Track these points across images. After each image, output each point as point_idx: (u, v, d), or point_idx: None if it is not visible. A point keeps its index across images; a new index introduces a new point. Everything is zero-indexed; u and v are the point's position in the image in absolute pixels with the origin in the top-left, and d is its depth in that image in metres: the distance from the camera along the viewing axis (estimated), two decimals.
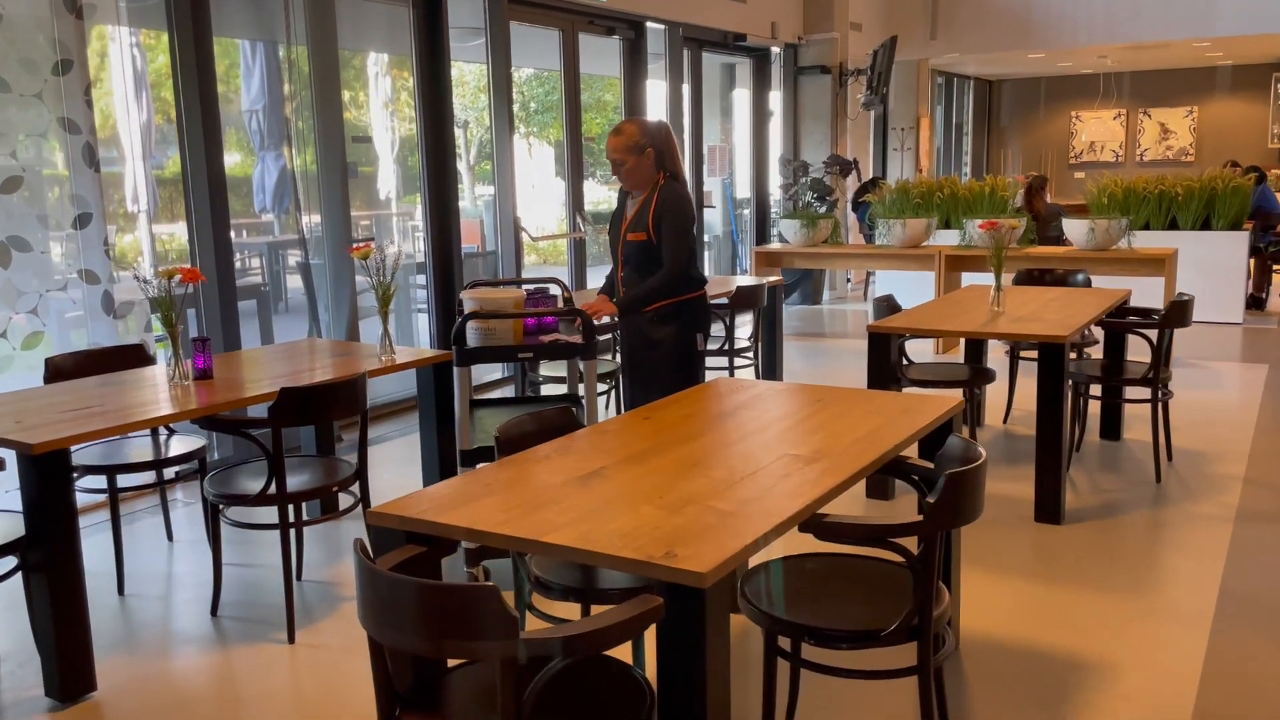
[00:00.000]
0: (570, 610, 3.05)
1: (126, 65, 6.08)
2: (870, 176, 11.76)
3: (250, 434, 3.20)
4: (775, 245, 8.72)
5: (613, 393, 5.42)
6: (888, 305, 4.75)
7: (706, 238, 11.16)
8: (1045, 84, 16.85)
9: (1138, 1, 11.30)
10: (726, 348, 5.57)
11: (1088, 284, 5.72)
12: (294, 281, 7.01)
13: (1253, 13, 10.88)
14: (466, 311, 3.48)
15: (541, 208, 13.01)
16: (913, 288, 9.88)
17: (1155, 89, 15.99)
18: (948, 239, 8.25)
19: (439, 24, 6.30)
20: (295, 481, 3.37)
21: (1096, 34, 11.67)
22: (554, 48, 7.96)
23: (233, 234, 6.64)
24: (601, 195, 12.44)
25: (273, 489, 3.21)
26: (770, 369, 6.18)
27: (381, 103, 7.16)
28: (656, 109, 8.84)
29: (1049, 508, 4.12)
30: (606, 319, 3.94)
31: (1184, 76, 15.75)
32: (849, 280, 11.56)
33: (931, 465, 2.58)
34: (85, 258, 4.63)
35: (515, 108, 7.14)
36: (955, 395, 3.05)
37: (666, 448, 2.57)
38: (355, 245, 3.79)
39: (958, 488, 2.17)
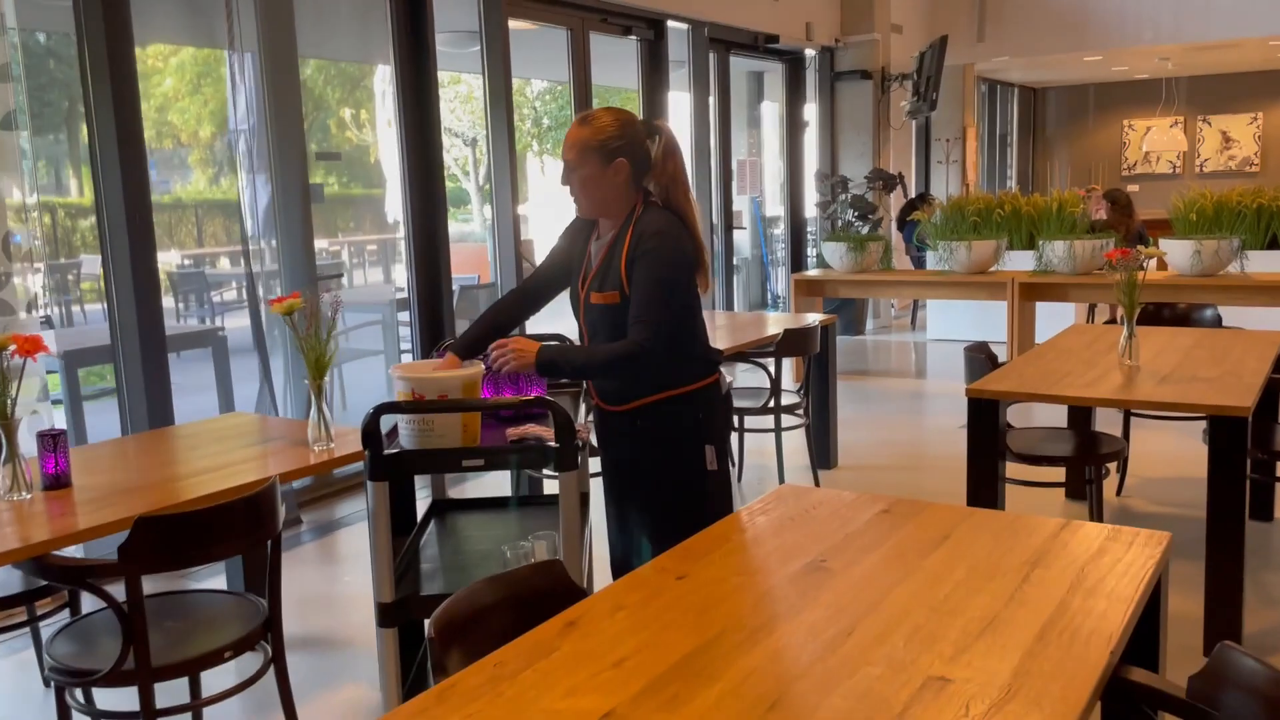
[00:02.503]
0: None
1: None
2: (916, 192, 10.72)
3: (95, 586, 2.17)
4: (816, 272, 7.67)
5: None
6: (986, 358, 3.68)
7: (735, 260, 10.12)
8: (1095, 91, 15.73)
9: None
10: (773, 405, 4.52)
11: (1218, 322, 4.64)
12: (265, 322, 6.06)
13: None
14: (398, 395, 2.43)
15: (555, 233, 11.97)
16: (974, 319, 8.79)
17: (1215, 94, 14.85)
18: (1018, 262, 7.16)
19: (423, 23, 5.31)
20: (168, 642, 2.33)
21: (1162, 33, 10.58)
22: (566, 56, 7.00)
23: (232, 262, 5.64)
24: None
25: (130, 663, 2.18)
26: (823, 427, 5.12)
27: (386, 119, 6.24)
28: (680, 122, 7.83)
29: (1231, 636, 3.03)
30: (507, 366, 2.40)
31: (1247, 80, 14.59)
32: (893, 308, 10.48)
33: (1180, 694, 1.51)
34: None
35: (527, 124, 6.16)
36: (1162, 535, 1.98)
37: (720, 655, 1.52)
38: (278, 296, 2.76)
39: None
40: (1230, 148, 15.02)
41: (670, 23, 7.23)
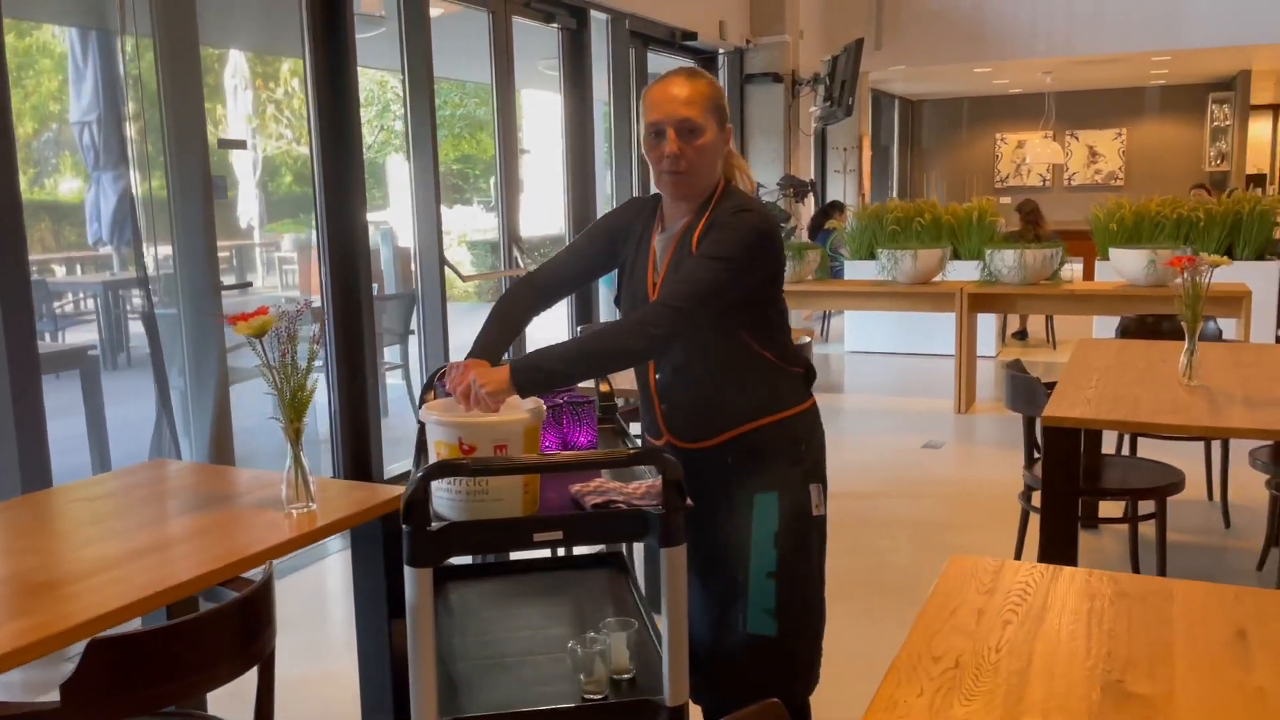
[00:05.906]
0: None
1: None
2: (826, 200, 10.49)
3: None
4: None
5: None
6: (1037, 380, 3.28)
7: None
8: (968, 104, 15.98)
9: (1101, 12, 10.35)
10: None
11: (1219, 336, 4.41)
12: (138, 335, 5.18)
13: (1219, 23, 10.04)
14: (432, 441, 1.81)
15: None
16: (895, 331, 8.53)
17: (1082, 110, 15.28)
18: (959, 272, 6.91)
19: (341, 4, 4.59)
20: None
21: (1055, 45, 10.67)
22: (459, 50, 6.43)
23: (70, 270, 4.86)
24: (486, 223, 10.33)
25: None
26: None
27: (243, 114, 5.47)
28: (596, 121, 7.28)
29: None
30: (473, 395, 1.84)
31: (1111, 97, 15.07)
32: (801, 317, 10.18)
33: None
34: None
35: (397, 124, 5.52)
36: None
37: None
38: (240, 313, 2.07)
39: None
40: (1096, 161, 15.49)
41: (593, 12, 6.68)
